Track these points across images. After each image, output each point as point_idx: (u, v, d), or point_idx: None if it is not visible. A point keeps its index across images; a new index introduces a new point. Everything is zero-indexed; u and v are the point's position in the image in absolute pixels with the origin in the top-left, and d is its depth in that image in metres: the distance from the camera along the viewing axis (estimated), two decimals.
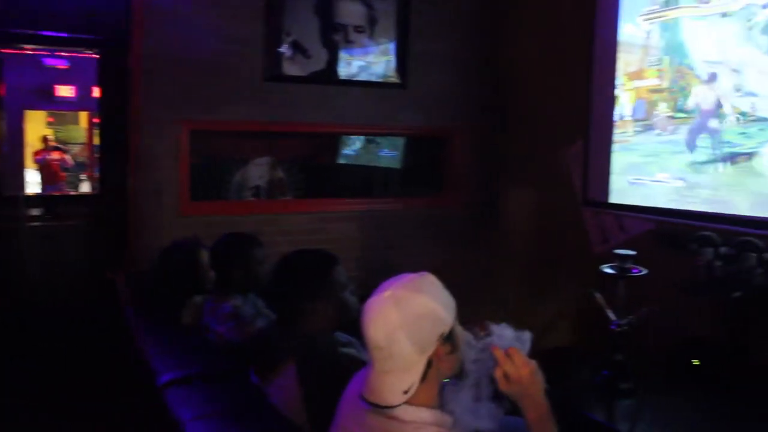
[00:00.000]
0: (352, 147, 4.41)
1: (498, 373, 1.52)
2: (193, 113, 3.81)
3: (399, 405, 1.47)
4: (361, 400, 1.52)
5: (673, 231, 3.33)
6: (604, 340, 2.81)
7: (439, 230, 4.57)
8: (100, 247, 4.34)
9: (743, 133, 3.11)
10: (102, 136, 4.65)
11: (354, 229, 4.34)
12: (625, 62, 3.65)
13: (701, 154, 3.31)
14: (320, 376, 1.94)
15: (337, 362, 1.99)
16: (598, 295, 2.80)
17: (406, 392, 1.46)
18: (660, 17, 3.46)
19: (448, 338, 1.50)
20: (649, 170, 3.58)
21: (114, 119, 4.18)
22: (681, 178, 3.40)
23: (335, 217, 4.29)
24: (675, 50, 3.40)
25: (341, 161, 4.38)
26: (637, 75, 3.61)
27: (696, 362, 2.75)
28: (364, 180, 4.47)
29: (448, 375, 1.57)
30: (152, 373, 2.10)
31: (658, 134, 3.51)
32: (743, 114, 3.09)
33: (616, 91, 3.71)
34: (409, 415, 1.48)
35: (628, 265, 2.75)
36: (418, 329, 1.45)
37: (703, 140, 3.29)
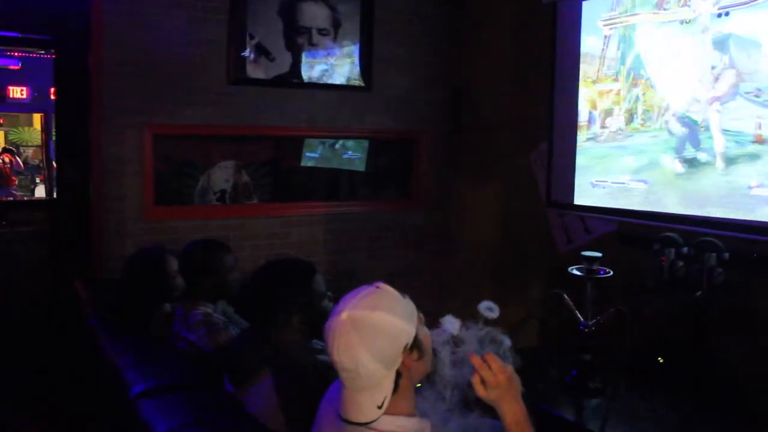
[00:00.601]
0: (317, 150, 4.39)
1: (475, 379, 1.53)
2: (156, 116, 3.75)
3: (376, 420, 1.47)
4: (338, 418, 1.52)
5: (637, 232, 3.41)
6: (572, 341, 2.87)
7: (405, 233, 4.59)
8: (59, 254, 4.23)
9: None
10: (59, 139, 4.53)
11: (320, 232, 4.33)
12: (583, 72, 3.73)
13: (644, 158, 3.47)
14: (298, 384, 1.94)
15: (314, 370, 1.99)
16: (566, 297, 2.85)
17: (380, 407, 1.46)
18: (620, 23, 3.53)
19: (413, 346, 1.49)
20: (591, 172, 3.72)
21: (72, 122, 4.08)
22: (622, 180, 3.60)
23: (301, 221, 4.28)
24: (632, 61, 3.48)
25: (306, 164, 4.36)
26: (595, 85, 3.68)
27: (661, 360, 2.83)
28: (330, 183, 4.46)
29: (420, 379, 1.58)
30: (124, 385, 2.05)
31: (611, 141, 3.62)
32: (695, 123, 3.21)
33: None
34: (387, 425, 1.49)
35: (595, 267, 2.81)
36: (380, 347, 1.44)
37: (656, 145, 3.43)
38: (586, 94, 3.74)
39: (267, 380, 1.97)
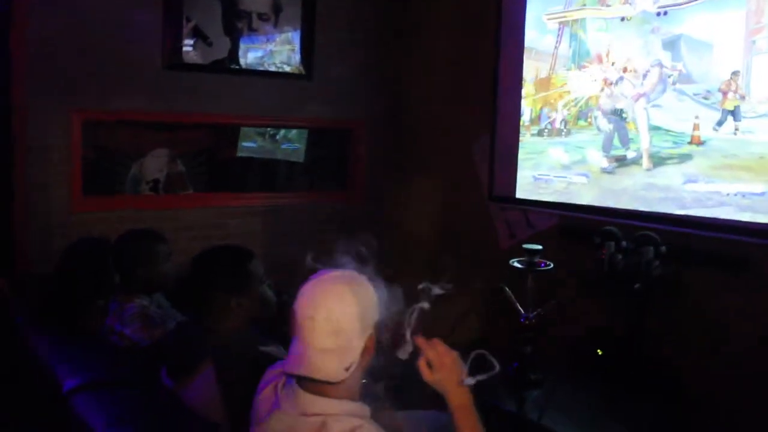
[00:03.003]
0: (256, 139, 4.28)
1: (421, 362, 1.56)
2: (86, 102, 3.57)
3: (338, 382, 1.47)
4: (291, 380, 1.52)
5: (577, 225, 3.46)
6: (513, 333, 2.89)
7: (343, 225, 4.53)
8: None
9: None
10: None
11: (258, 223, 4.24)
12: (536, 69, 3.75)
13: (575, 155, 3.56)
14: (240, 374, 1.90)
15: (256, 361, 1.95)
16: (507, 290, 2.87)
17: (347, 369, 1.47)
18: (565, 18, 3.57)
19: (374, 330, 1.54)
20: (523, 165, 3.82)
21: None
22: (545, 174, 3.75)
23: (238, 212, 4.17)
24: (582, 59, 3.53)
25: (244, 154, 4.25)
26: (546, 82, 3.71)
27: (600, 352, 2.88)
28: (268, 174, 4.36)
29: (365, 369, 1.58)
30: (55, 381, 1.95)
31: (553, 138, 3.68)
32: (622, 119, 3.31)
33: (525, 95, 3.81)
34: (333, 408, 1.49)
35: (536, 260, 2.84)
36: (366, 310, 1.50)
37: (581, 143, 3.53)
38: (534, 90, 3.77)
39: (208, 371, 1.93)
